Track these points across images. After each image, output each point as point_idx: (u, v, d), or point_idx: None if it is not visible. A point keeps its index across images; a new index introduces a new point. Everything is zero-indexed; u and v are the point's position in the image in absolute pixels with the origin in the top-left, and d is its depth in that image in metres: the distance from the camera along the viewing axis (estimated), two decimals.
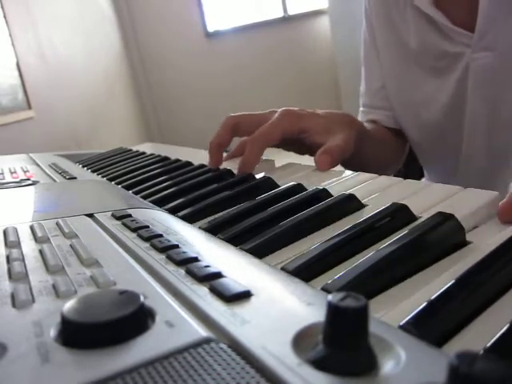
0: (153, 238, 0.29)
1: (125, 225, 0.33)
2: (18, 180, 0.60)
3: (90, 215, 0.36)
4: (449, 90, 0.61)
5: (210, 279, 0.22)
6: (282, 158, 0.57)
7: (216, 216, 0.38)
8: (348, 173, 0.45)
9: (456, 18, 0.58)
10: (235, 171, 0.51)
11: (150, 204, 0.43)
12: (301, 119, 0.53)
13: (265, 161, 0.55)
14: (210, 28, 4.44)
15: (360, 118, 0.75)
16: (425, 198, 0.35)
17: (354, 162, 0.58)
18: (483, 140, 0.61)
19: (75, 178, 0.60)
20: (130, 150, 0.85)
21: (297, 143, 0.56)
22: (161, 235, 0.30)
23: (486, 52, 0.56)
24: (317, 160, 0.49)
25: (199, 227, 0.35)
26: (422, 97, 0.65)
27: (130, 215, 0.35)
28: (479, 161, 0.63)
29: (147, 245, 0.28)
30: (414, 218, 0.31)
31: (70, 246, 0.28)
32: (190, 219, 0.38)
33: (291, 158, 0.57)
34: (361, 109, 0.76)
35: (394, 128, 0.72)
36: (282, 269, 0.26)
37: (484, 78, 0.57)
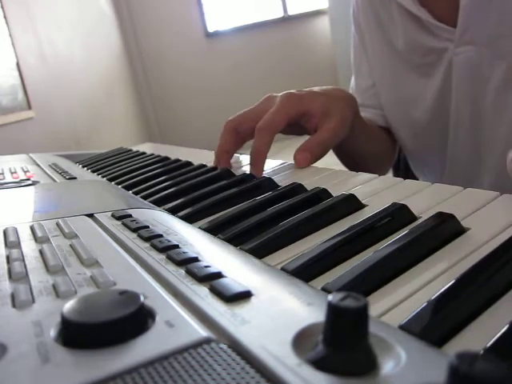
0: (153, 238, 0.29)
1: (125, 225, 0.33)
2: (18, 180, 0.60)
3: (90, 215, 0.36)
4: (435, 87, 0.62)
5: (210, 279, 0.22)
6: (281, 157, 0.57)
7: (216, 216, 0.38)
8: (348, 173, 0.45)
9: (439, 14, 0.59)
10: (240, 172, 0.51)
11: (150, 204, 0.44)
12: (302, 101, 0.53)
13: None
14: (210, 28, 4.44)
15: None
16: (425, 198, 0.35)
17: (345, 145, 0.58)
18: (467, 134, 0.61)
19: (75, 178, 0.60)
20: (130, 150, 0.85)
21: (297, 125, 0.56)
22: (161, 235, 0.30)
23: (467, 46, 0.57)
24: (295, 157, 0.50)
25: (199, 227, 0.35)
26: (410, 95, 0.66)
27: (130, 215, 0.35)
28: (464, 156, 0.63)
29: (147, 245, 0.28)
30: (414, 218, 0.31)
31: (70, 246, 0.28)
32: (189, 219, 0.38)
33: (291, 157, 0.57)
34: None
35: (385, 127, 0.72)
36: (282, 269, 0.25)
37: (467, 71, 0.58)
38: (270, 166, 0.54)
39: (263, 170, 0.50)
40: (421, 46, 0.62)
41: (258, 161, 0.50)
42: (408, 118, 0.67)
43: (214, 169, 0.54)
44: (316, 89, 0.56)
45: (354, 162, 0.69)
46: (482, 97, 0.58)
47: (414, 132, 0.68)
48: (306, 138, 0.54)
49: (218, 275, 0.23)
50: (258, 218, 0.34)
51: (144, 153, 0.77)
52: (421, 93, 0.64)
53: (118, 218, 0.35)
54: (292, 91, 0.54)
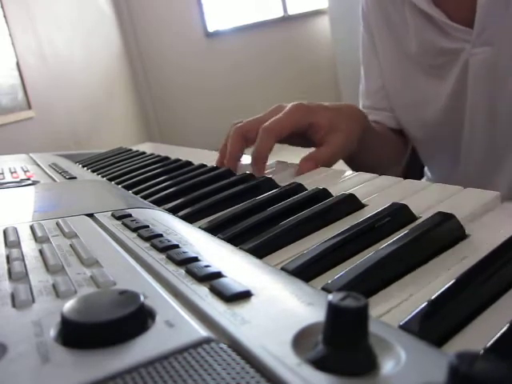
0: (153, 238, 0.29)
1: (125, 225, 0.33)
2: (18, 180, 0.60)
3: (90, 215, 0.36)
4: (449, 88, 0.62)
5: (210, 279, 0.22)
6: (281, 157, 0.57)
7: (216, 216, 0.38)
8: (348, 173, 0.45)
9: (453, 13, 0.59)
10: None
11: (150, 204, 0.43)
12: (310, 112, 0.54)
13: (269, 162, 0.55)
14: (210, 28, 4.44)
15: None
16: (425, 197, 0.35)
17: (357, 158, 0.59)
18: (483, 136, 0.61)
19: (75, 177, 0.60)
20: (130, 149, 0.85)
21: (303, 137, 0.56)
22: (161, 235, 0.30)
23: (485, 47, 0.56)
24: (300, 165, 0.50)
25: (199, 227, 0.35)
26: (422, 96, 0.66)
27: (130, 215, 0.35)
28: (479, 157, 0.63)
29: (147, 245, 0.28)
30: (414, 218, 0.31)
31: (70, 245, 0.28)
32: (189, 219, 0.38)
33: (291, 157, 0.57)
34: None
35: (396, 128, 0.72)
36: (282, 269, 0.25)
37: (484, 72, 0.57)
38: (270, 165, 0.54)
39: (264, 171, 0.51)
40: (434, 46, 0.61)
41: (258, 161, 0.50)
42: (419, 119, 0.67)
43: (214, 169, 0.54)
44: (326, 104, 0.57)
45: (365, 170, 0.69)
46: (499, 98, 0.58)
47: (426, 131, 0.68)
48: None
49: (218, 275, 0.23)
50: (257, 217, 0.34)
51: (144, 153, 0.77)
52: (433, 94, 0.64)
53: (118, 218, 0.35)
54: (302, 102, 0.55)
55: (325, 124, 0.53)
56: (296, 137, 0.56)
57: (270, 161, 0.56)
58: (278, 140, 0.52)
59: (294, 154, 0.62)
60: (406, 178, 0.40)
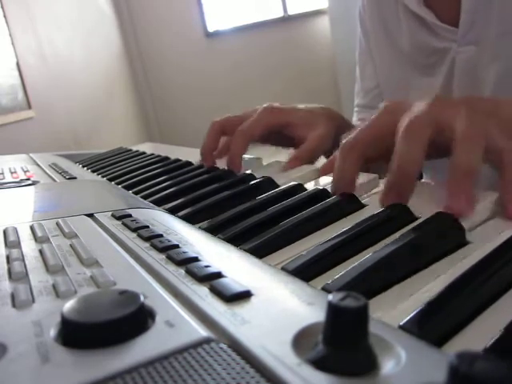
0: (153, 238, 0.29)
1: (125, 225, 0.33)
2: (18, 180, 0.60)
3: (90, 215, 0.36)
4: (437, 86, 0.63)
5: (210, 279, 0.22)
6: (280, 157, 0.57)
7: (216, 216, 0.38)
8: None
9: (442, 14, 0.60)
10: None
11: (150, 204, 0.43)
12: (282, 113, 0.57)
13: (267, 162, 0.55)
14: (210, 28, 4.44)
15: (354, 117, 0.76)
16: (425, 198, 0.35)
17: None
18: None
19: (75, 177, 0.60)
20: (130, 150, 0.85)
21: (281, 137, 0.59)
22: (161, 235, 0.30)
23: (470, 46, 0.58)
24: (287, 164, 0.53)
25: (199, 227, 0.35)
26: (414, 96, 0.66)
27: (130, 215, 0.35)
28: None
29: (147, 245, 0.28)
30: (413, 218, 0.31)
31: (70, 245, 0.28)
32: (190, 219, 0.38)
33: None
34: (355, 109, 0.77)
35: None
36: (282, 269, 0.26)
37: (468, 71, 0.59)
38: (271, 166, 0.55)
39: (240, 169, 0.53)
40: (425, 46, 0.63)
41: (233, 162, 0.53)
42: None
43: (214, 169, 0.54)
44: (300, 105, 0.60)
45: None
46: (482, 94, 0.58)
47: None
48: None
49: (218, 275, 0.23)
50: (257, 217, 0.34)
51: (144, 153, 0.77)
52: (424, 92, 0.64)
53: (118, 218, 0.35)
54: (274, 104, 0.58)
55: (299, 123, 0.56)
56: (276, 137, 0.58)
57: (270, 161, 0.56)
58: (252, 141, 0.55)
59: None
60: None
